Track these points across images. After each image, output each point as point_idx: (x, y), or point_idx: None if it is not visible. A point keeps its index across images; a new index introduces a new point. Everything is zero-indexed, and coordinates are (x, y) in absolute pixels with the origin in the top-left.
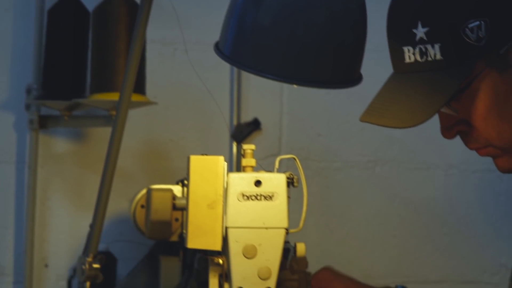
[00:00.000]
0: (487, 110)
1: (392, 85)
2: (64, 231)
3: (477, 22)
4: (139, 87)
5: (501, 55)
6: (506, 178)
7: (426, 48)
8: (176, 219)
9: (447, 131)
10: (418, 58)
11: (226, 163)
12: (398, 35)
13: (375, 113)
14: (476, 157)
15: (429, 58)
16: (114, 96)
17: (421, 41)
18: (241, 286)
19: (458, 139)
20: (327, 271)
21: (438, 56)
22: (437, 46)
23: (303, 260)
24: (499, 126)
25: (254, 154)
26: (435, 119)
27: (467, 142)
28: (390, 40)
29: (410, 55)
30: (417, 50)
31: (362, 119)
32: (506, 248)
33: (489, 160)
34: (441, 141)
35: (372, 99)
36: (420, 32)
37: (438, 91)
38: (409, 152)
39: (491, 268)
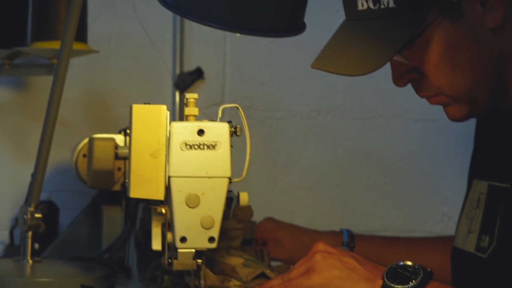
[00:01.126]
0: (439, 59)
1: (344, 32)
2: (5, 181)
3: None
4: (81, 35)
5: (454, 4)
6: (448, 127)
7: None
8: (119, 169)
9: (399, 79)
10: (371, 5)
11: (168, 112)
12: None
13: (327, 60)
14: (418, 106)
15: (382, 6)
16: (55, 45)
17: None
18: (184, 235)
19: (403, 88)
20: (270, 221)
21: (391, 4)
22: None
23: (248, 209)
24: (451, 75)
25: (197, 103)
26: (380, 68)
27: (418, 90)
28: None
29: (363, 2)
30: None
31: (313, 66)
32: (448, 198)
33: (431, 109)
34: (384, 91)
35: (324, 46)
36: None
37: (390, 40)
38: (352, 102)
39: (433, 217)
